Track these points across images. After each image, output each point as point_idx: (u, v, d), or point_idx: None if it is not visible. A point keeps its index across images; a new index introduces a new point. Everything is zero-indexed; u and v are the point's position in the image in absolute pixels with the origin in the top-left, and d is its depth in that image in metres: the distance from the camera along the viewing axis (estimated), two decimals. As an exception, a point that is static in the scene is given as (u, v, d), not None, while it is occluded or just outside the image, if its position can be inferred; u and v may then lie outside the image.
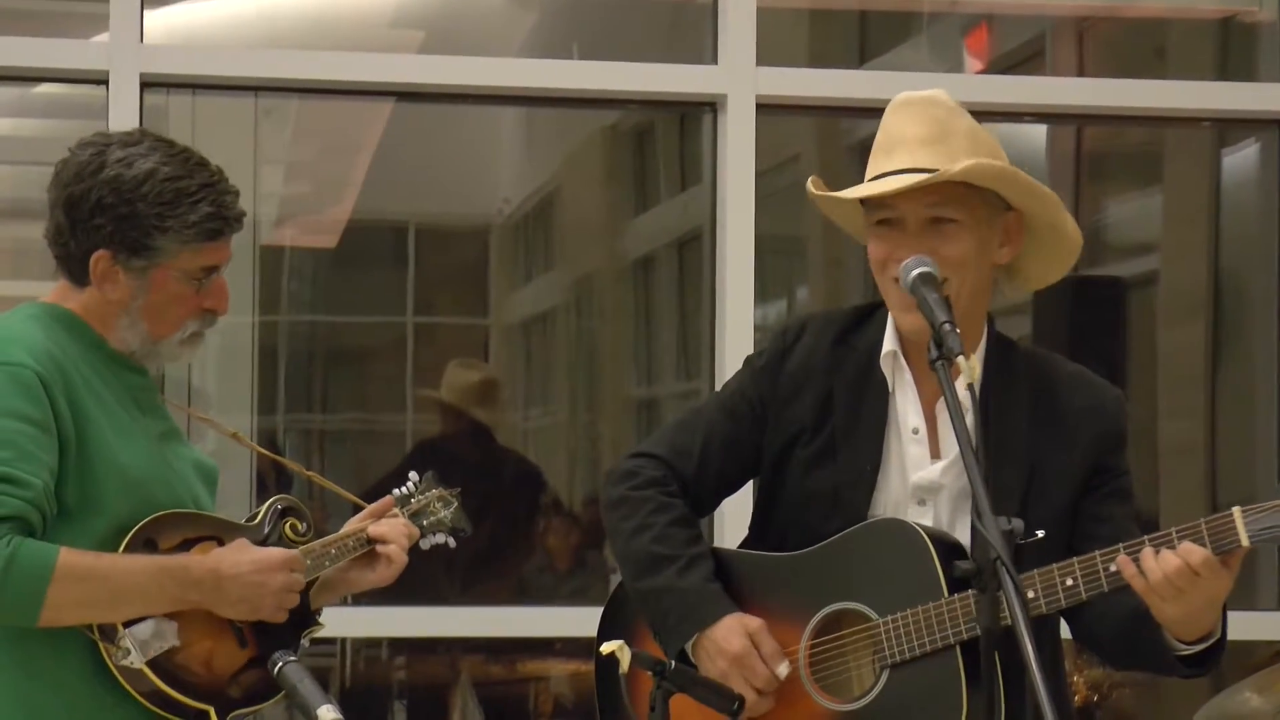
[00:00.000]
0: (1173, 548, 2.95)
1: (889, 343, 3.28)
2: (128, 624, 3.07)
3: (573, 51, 7.33)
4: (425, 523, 3.50)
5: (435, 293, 10.02)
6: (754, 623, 3.22)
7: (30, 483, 2.99)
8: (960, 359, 2.82)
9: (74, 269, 3.19)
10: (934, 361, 2.87)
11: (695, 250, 7.80)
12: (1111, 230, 8.68)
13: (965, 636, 3.06)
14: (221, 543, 3.20)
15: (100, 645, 3.08)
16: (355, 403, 9.67)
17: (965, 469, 2.76)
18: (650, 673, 3.01)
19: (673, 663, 3.04)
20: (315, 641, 3.32)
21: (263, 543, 3.24)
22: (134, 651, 3.05)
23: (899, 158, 3.18)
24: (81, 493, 3.09)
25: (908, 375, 3.27)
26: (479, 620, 5.87)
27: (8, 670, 3.09)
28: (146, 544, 3.11)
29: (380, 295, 9.79)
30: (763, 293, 5.55)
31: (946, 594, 3.10)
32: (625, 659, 2.98)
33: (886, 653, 3.14)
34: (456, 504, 3.57)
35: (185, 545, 3.16)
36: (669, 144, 9.25)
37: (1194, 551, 2.93)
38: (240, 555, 3.16)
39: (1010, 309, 7.98)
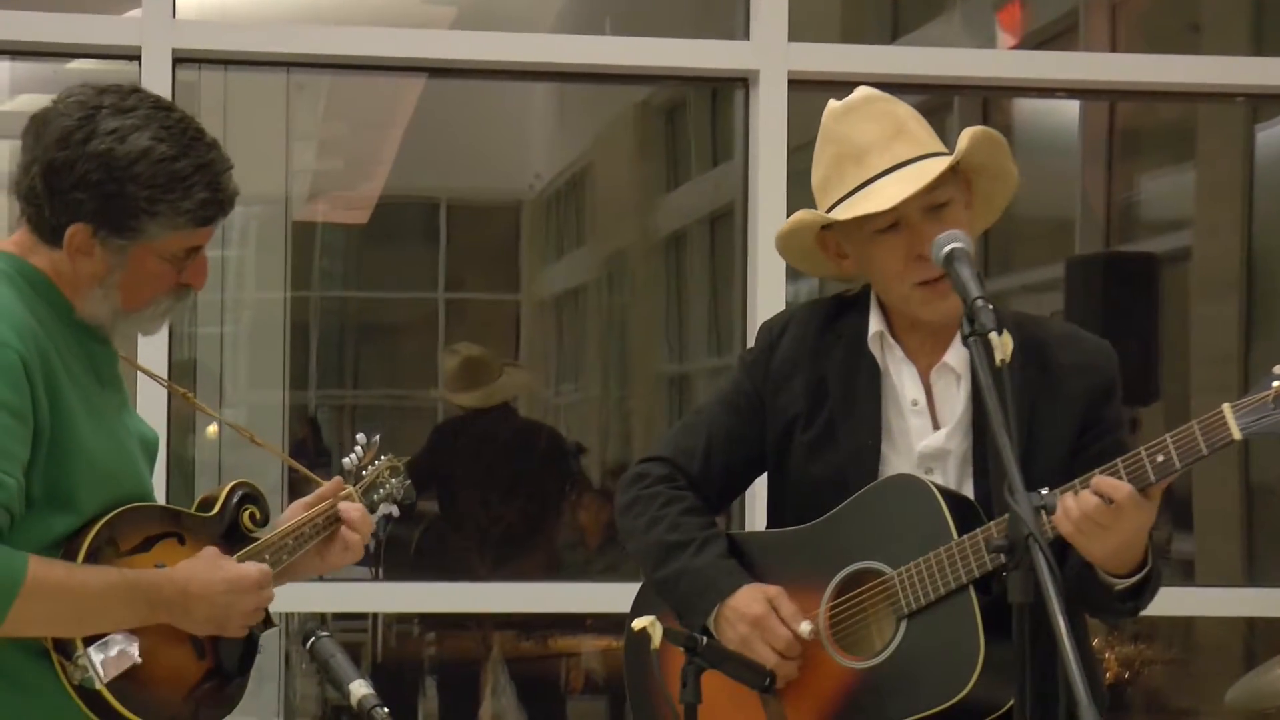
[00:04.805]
0: (1168, 452, 2.96)
1: (875, 324, 3.32)
2: (87, 640, 2.86)
3: (605, 27, 7.34)
4: (376, 496, 3.32)
5: (466, 269, 10.05)
6: (772, 589, 3.26)
7: (4, 483, 2.77)
8: (993, 335, 2.82)
9: (44, 231, 2.93)
10: (967, 338, 2.86)
11: (727, 226, 7.80)
12: (1144, 206, 8.66)
13: (977, 574, 3.09)
14: (182, 539, 2.99)
15: (55, 660, 2.86)
16: (387, 378, 9.70)
17: (998, 444, 2.76)
18: (682, 649, 3.02)
19: (704, 639, 3.05)
20: (347, 617, 3.24)
21: (224, 534, 3.06)
22: (93, 671, 2.84)
23: (875, 161, 3.23)
24: (50, 486, 2.86)
25: (899, 352, 3.31)
26: (511, 596, 5.88)
27: None
28: (108, 543, 2.89)
29: (412, 271, 9.82)
30: (794, 269, 5.53)
31: (956, 536, 3.12)
32: (657, 635, 2.99)
33: (902, 603, 3.16)
34: (404, 472, 3.39)
35: (146, 544, 2.96)
36: (701, 120, 9.25)
37: (1118, 487, 2.95)
38: (212, 574, 2.94)
39: (1042, 286, 7.97)
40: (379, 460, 3.35)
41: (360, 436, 3.35)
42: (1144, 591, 3.11)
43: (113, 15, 5.42)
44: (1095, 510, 2.95)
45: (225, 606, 2.95)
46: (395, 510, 3.39)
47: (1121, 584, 3.08)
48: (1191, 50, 7.42)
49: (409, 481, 3.39)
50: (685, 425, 3.49)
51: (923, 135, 3.27)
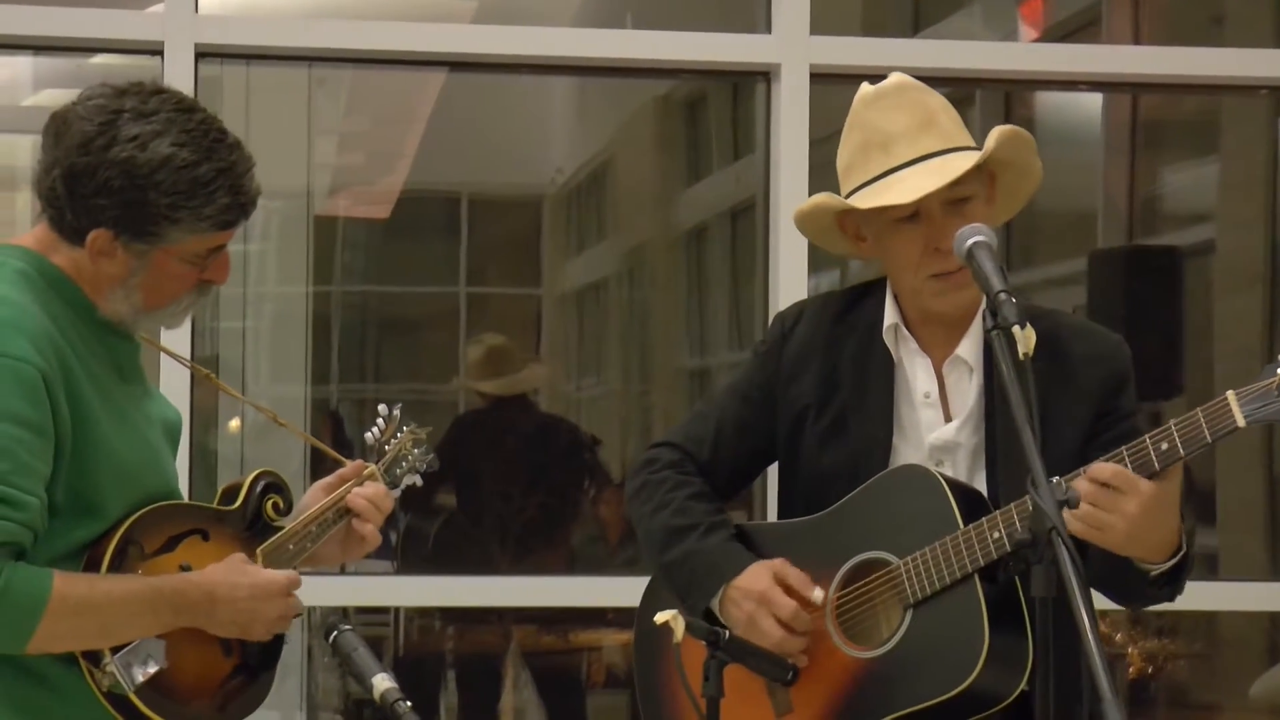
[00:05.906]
0: (1172, 440, 2.95)
1: (890, 316, 3.32)
2: (115, 647, 2.87)
3: (626, 21, 7.33)
4: (399, 470, 3.31)
5: (488, 263, 10.03)
6: (776, 561, 3.27)
7: (26, 502, 2.77)
8: (1016, 328, 2.81)
9: (65, 232, 2.93)
10: (990, 331, 2.86)
11: (748, 220, 7.79)
12: (1168, 199, 8.64)
13: (982, 563, 3.09)
14: (206, 535, 3.01)
15: (83, 667, 2.88)
16: (408, 372, 9.70)
17: (1021, 437, 2.75)
18: (705, 642, 3.01)
19: (727, 632, 3.05)
20: (369, 611, 3.25)
21: (248, 525, 3.07)
22: (120, 677, 2.87)
23: (901, 150, 3.23)
24: (74, 494, 2.87)
25: (913, 344, 3.31)
26: (531, 590, 5.88)
27: (6, 674, 2.87)
28: (133, 545, 2.91)
29: (433, 265, 9.81)
30: (815, 263, 5.53)
31: (962, 527, 3.12)
32: (679, 629, 2.99)
33: (908, 592, 3.16)
34: (427, 442, 3.37)
35: (170, 543, 2.96)
36: (722, 114, 9.24)
37: (1102, 469, 2.95)
38: (238, 578, 2.96)
39: (1065, 279, 7.95)
40: (401, 433, 3.34)
41: (382, 408, 3.33)
42: (1180, 577, 3.10)
43: (135, 10, 5.43)
44: (1093, 495, 2.94)
45: (250, 612, 2.96)
46: (419, 480, 3.37)
47: (1156, 569, 3.07)
48: (1214, 43, 7.39)
49: (432, 454, 3.38)
50: (697, 413, 3.51)
51: (951, 128, 3.26)
